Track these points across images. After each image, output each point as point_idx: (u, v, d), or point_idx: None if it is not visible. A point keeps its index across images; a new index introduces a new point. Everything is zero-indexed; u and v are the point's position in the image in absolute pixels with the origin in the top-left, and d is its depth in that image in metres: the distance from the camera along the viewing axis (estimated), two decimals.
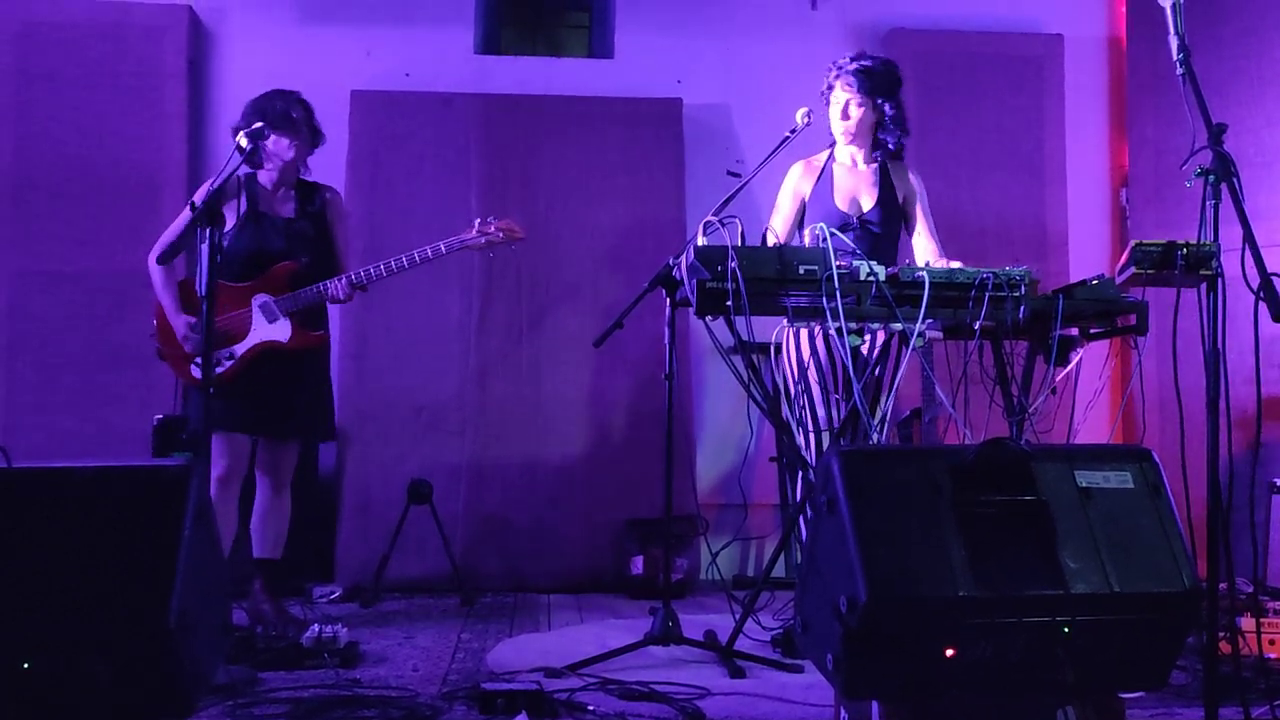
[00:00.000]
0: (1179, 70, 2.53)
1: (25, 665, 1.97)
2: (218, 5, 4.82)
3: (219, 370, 3.42)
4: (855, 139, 3.63)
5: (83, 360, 4.53)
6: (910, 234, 3.71)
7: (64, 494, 2.09)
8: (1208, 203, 2.38)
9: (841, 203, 3.62)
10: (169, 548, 2.04)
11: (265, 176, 3.59)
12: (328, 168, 3.94)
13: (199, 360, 3.42)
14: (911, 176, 3.70)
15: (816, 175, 3.66)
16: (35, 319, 4.55)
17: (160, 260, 3.43)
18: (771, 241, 3.32)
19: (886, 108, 3.59)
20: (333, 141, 4.52)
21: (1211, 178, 2.39)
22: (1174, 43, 2.56)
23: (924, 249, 3.66)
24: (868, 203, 3.63)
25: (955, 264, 3.27)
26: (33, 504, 2.08)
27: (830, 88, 3.62)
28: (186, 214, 3.53)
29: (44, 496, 2.09)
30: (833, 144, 3.69)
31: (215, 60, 4.79)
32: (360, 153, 4.70)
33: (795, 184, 3.67)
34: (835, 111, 3.61)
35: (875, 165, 3.67)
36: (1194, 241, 2.61)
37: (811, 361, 3.48)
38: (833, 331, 2.88)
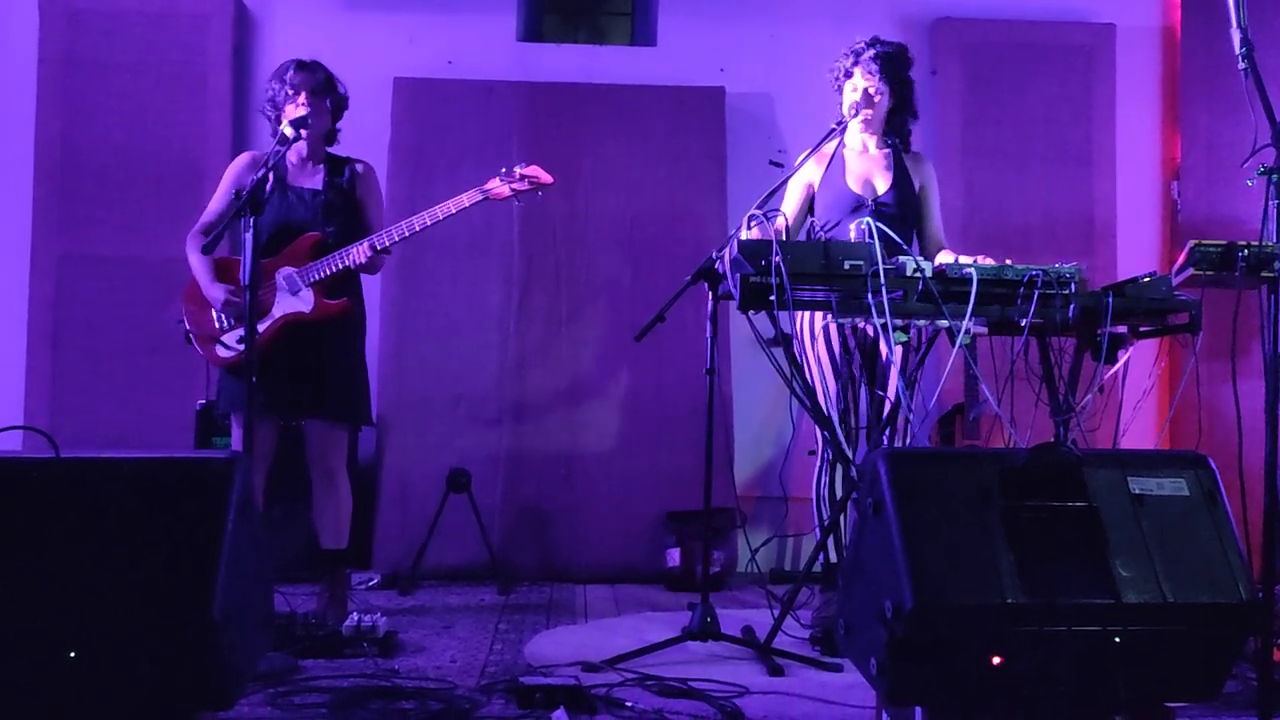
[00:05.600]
0: (1241, 65, 2.47)
1: (72, 654, 1.99)
2: None
3: (242, 349, 3.40)
4: (870, 125, 3.58)
5: (126, 345, 4.57)
6: (923, 222, 3.65)
7: (110, 484, 2.10)
8: (1270, 202, 2.31)
9: (854, 184, 3.56)
10: (214, 540, 2.05)
11: (293, 151, 3.50)
12: (371, 154, 3.92)
13: (224, 341, 3.44)
14: (926, 165, 3.67)
15: (826, 162, 3.59)
16: (80, 304, 4.59)
17: (205, 250, 3.33)
18: (780, 224, 3.27)
19: (904, 92, 3.57)
20: (376, 129, 4.57)
21: (1275, 176, 2.33)
22: (1236, 36, 2.50)
23: (933, 241, 3.61)
24: (882, 185, 3.57)
25: (965, 259, 3.23)
26: (79, 494, 2.09)
27: (848, 74, 3.56)
28: (221, 198, 3.54)
29: (90, 486, 2.10)
30: (841, 131, 3.58)
31: (260, 47, 4.80)
32: (402, 140, 4.70)
33: (804, 173, 3.60)
34: (855, 97, 3.55)
35: (888, 150, 3.62)
36: (1255, 243, 2.54)
37: (824, 351, 3.46)
38: (876, 327, 2.85)
